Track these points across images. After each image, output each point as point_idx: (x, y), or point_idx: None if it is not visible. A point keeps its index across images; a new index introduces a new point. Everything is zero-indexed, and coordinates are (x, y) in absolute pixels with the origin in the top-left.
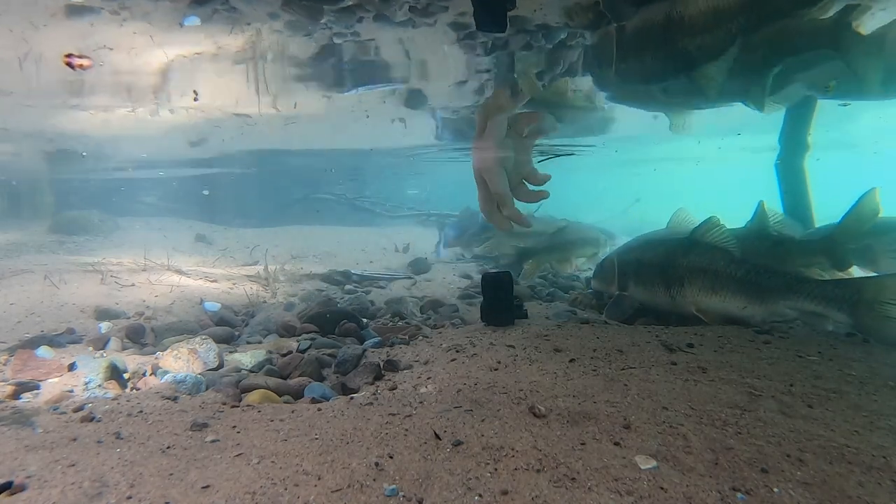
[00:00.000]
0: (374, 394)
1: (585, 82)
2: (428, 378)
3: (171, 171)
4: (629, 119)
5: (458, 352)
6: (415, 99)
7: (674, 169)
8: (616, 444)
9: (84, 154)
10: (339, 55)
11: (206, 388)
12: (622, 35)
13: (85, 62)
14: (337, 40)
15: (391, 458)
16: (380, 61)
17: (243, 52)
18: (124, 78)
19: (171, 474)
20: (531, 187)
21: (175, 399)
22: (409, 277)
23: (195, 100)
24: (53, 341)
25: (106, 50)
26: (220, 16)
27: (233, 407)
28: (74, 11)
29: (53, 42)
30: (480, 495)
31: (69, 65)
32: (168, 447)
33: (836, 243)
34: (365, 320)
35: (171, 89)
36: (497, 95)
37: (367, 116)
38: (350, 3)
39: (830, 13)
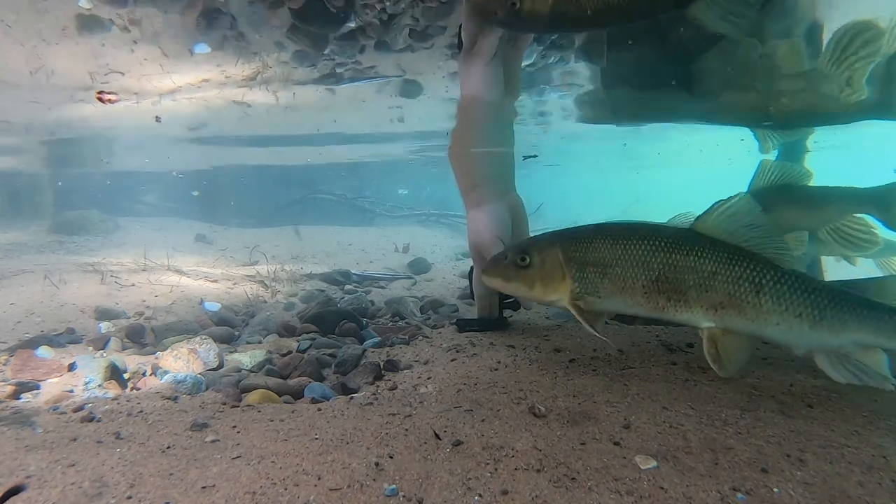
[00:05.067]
0: (374, 394)
1: None
2: (428, 378)
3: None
4: None
5: (458, 352)
6: (410, 88)
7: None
8: (616, 444)
9: (105, 161)
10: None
11: (206, 388)
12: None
13: (113, 97)
14: (339, 70)
15: (391, 458)
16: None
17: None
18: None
19: (171, 474)
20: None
21: (175, 399)
22: (409, 277)
23: (157, 121)
24: (53, 341)
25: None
26: (228, 44)
27: (233, 407)
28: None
29: (66, 59)
30: (480, 495)
31: (100, 100)
32: (168, 447)
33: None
34: (365, 320)
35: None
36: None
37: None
38: (353, 26)
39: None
